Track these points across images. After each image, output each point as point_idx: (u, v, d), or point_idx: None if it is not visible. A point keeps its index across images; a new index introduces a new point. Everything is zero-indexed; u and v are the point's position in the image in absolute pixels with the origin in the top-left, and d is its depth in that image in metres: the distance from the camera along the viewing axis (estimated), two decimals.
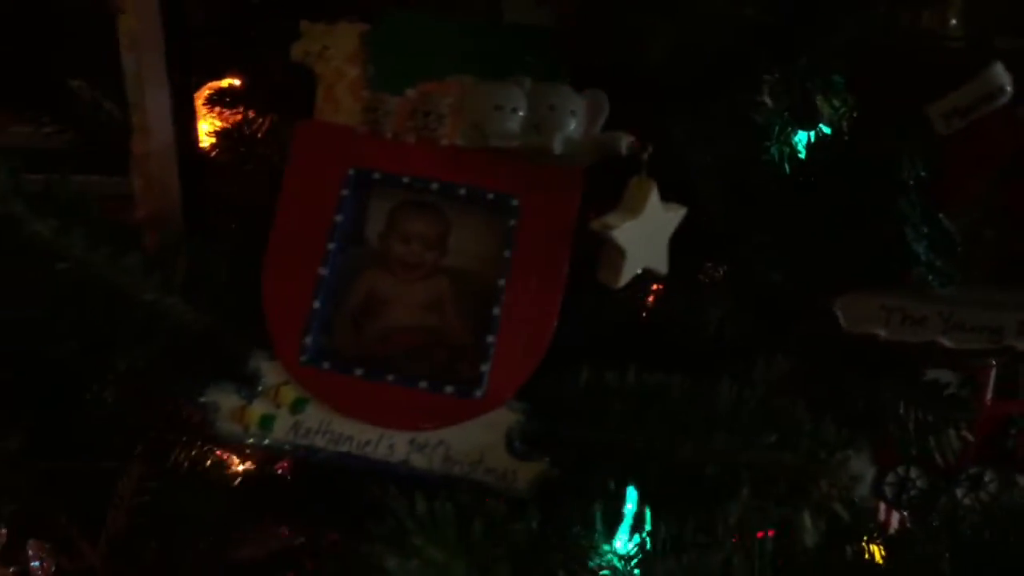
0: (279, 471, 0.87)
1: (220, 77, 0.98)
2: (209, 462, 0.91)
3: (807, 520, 0.52)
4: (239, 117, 0.97)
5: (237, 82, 0.99)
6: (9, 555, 0.91)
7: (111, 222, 0.58)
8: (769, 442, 0.53)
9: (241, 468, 0.93)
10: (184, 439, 0.88)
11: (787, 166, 0.78)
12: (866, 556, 0.80)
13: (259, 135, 0.96)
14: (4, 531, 0.90)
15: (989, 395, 0.85)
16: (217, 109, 0.96)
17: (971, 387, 0.76)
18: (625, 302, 0.79)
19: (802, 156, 0.79)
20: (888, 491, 0.86)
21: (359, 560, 0.48)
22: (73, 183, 0.57)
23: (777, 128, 0.80)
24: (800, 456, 0.52)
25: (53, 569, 0.91)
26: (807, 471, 0.52)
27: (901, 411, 0.68)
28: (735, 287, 0.75)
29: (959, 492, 0.86)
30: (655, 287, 0.80)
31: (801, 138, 0.81)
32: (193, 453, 0.89)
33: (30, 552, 0.92)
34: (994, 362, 0.81)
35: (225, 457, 0.94)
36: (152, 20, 0.64)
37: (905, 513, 0.87)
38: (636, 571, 0.80)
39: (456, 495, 0.52)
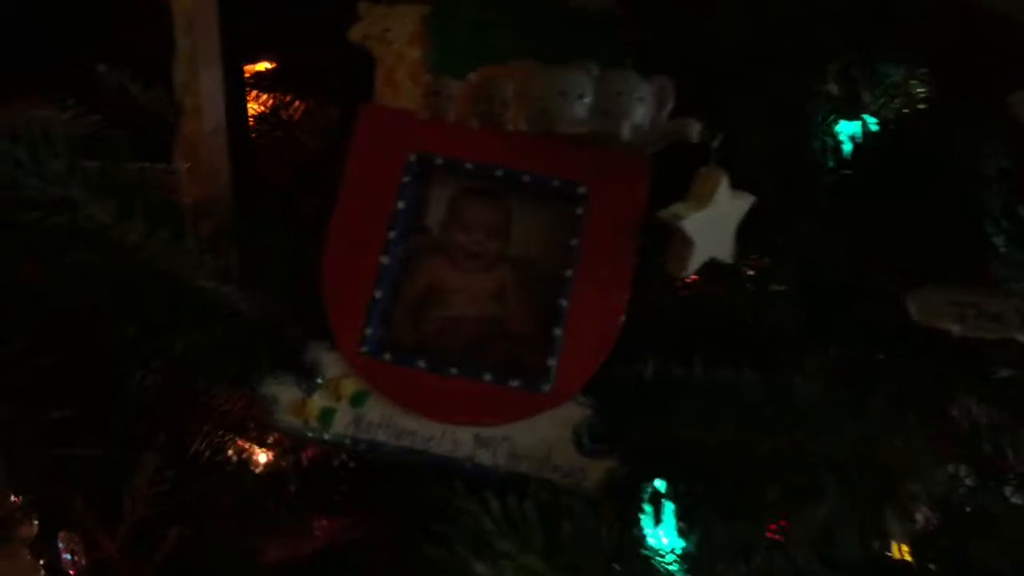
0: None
1: (255, 61, 0.96)
2: (231, 452, 0.90)
3: (894, 521, 0.50)
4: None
5: (271, 66, 0.98)
6: (38, 547, 0.90)
7: (169, 206, 0.56)
8: (854, 439, 0.51)
9: (263, 459, 0.92)
10: (206, 429, 0.87)
11: (830, 158, 0.77)
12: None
13: (295, 119, 0.95)
14: (36, 523, 0.88)
15: None
16: (254, 93, 0.94)
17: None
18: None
19: (847, 148, 0.77)
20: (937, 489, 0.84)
21: (431, 563, 0.46)
22: (132, 168, 0.55)
23: (821, 118, 0.78)
24: (889, 454, 0.50)
25: (84, 562, 0.90)
26: (895, 470, 0.50)
27: (973, 409, 0.66)
28: (793, 277, 0.73)
29: (1008, 491, 0.84)
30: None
31: (844, 129, 0.80)
32: (215, 443, 0.88)
33: (60, 545, 0.90)
34: None
35: (247, 447, 0.92)
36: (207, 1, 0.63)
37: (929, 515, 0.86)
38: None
39: (530, 494, 0.50)
